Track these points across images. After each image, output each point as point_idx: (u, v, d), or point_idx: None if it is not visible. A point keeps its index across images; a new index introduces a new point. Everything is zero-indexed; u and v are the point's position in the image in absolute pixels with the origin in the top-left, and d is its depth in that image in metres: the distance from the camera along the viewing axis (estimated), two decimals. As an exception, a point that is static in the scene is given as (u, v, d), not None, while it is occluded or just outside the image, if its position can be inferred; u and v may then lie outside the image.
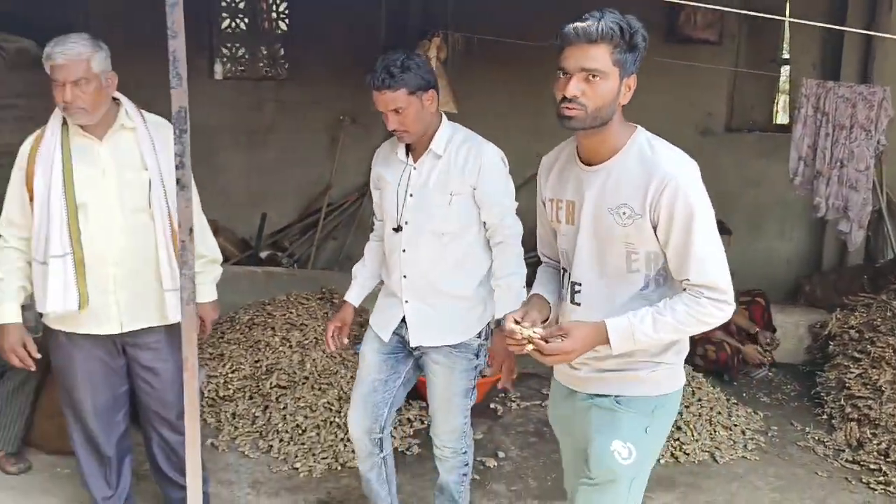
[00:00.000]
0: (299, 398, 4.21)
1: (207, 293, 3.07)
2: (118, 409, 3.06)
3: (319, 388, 4.28)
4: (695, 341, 4.91)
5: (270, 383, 4.33)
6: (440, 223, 2.74)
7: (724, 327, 4.98)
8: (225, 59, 6.84)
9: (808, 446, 4.23)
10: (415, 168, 2.78)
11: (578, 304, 2.17)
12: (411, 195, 2.77)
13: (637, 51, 2.02)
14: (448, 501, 3.08)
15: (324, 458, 3.86)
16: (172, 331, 2.87)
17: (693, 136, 5.99)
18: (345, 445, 3.88)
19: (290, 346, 4.59)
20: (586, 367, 2.18)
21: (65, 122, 2.80)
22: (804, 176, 5.14)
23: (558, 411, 2.39)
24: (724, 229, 4.81)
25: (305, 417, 4.09)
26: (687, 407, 4.31)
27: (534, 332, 2.01)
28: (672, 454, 3.99)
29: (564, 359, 2.06)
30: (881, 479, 3.83)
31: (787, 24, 5.86)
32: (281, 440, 4.01)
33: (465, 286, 2.81)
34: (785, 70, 6.16)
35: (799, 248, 6.30)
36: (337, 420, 4.06)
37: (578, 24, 1.97)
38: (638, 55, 2.03)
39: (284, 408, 4.18)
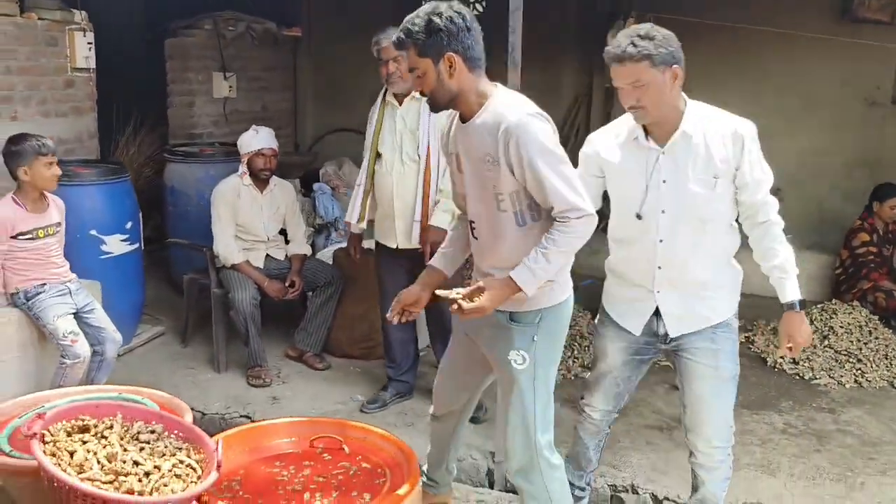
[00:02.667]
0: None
1: (437, 220, 3.77)
2: None
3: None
4: (865, 290, 5.55)
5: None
6: (703, 209, 2.59)
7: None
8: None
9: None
10: (664, 152, 2.59)
11: (477, 238, 2.65)
12: (664, 181, 2.60)
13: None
14: None
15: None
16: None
17: (861, 107, 6.52)
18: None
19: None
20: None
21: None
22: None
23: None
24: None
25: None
26: (866, 344, 4.97)
27: (456, 294, 2.45)
28: (856, 380, 4.68)
29: (480, 314, 2.44)
30: None
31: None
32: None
33: (721, 268, 2.72)
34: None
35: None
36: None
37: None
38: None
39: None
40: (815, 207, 6.59)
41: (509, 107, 2.47)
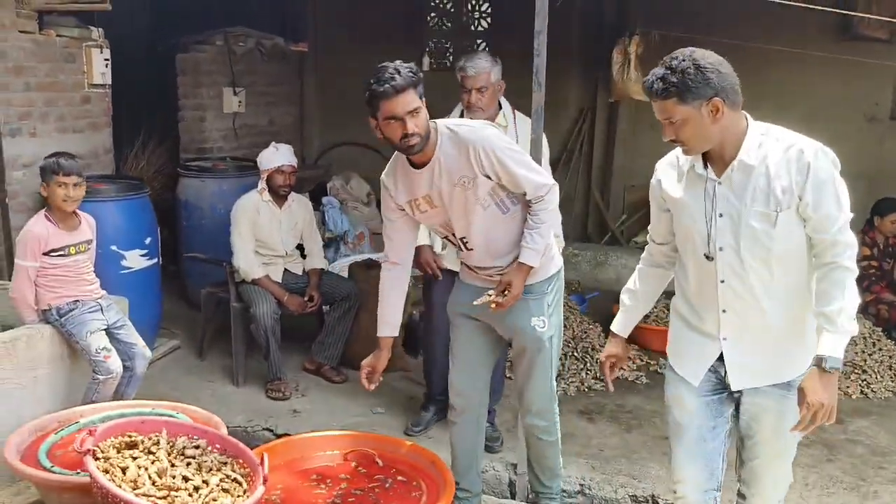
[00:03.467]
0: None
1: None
2: None
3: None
4: (867, 302, 5.66)
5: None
6: (767, 247, 2.32)
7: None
8: (432, 53, 7.84)
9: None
10: (720, 182, 2.36)
11: (472, 249, 2.99)
12: (720, 215, 2.36)
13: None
14: None
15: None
16: None
17: (860, 123, 6.66)
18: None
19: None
20: (497, 274, 2.99)
21: None
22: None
23: (466, 305, 3.08)
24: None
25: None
26: (870, 355, 5.08)
27: (489, 295, 2.90)
28: (862, 391, 4.78)
29: (516, 300, 2.89)
30: None
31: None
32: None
33: (798, 316, 2.40)
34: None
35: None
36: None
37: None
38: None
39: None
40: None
41: (461, 131, 2.84)
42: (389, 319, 3.08)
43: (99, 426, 2.61)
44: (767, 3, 4.00)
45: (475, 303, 2.97)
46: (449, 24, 7.82)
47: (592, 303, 5.94)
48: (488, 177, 2.85)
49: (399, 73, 2.71)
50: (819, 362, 2.26)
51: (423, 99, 2.78)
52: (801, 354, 2.39)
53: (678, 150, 2.48)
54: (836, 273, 2.28)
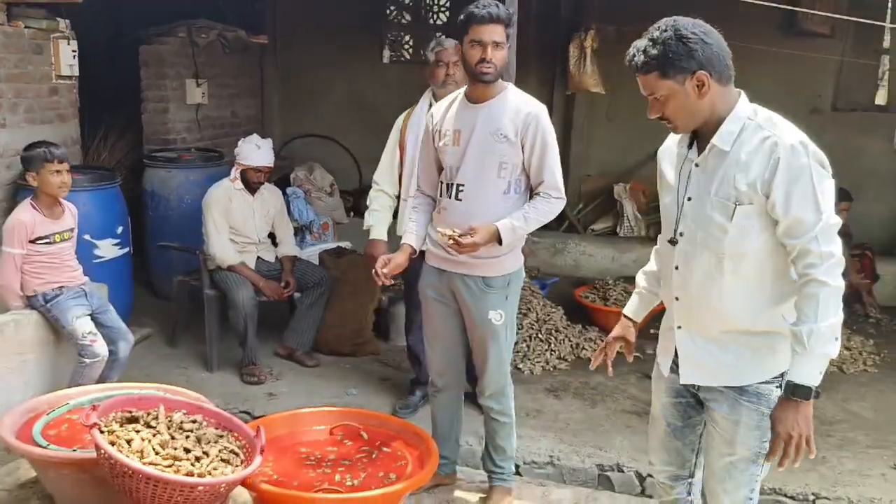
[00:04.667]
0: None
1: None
2: None
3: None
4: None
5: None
6: (721, 241, 2.15)
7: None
8: (392, 46, 7.97)
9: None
10: (696, 164, 2.22)
11: (461, 200, 3.06)
12: (689, 199, 2.24)
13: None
14: None
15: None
16: None
17: (804, 114, 6.99)
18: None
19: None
20: (464, 255, 3.04)
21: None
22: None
23: (431, 289, 3.25)
24: (846, 196, 5.89)
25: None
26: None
27: (454, 232, 2.95)
28: (808, 366, 5.08)
29: (473, 249, 2.94)
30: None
31: (888, 20, 6.79)
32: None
33: (755, 318, 2.19)
34: (885, 59, 7.10)
35: (894, 209, 7.28)
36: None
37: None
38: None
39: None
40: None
41: (527, 98, 3.11)
42: (413, 230, 3.27)
43: (102, 402, 2.72)
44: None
45: (438, 229, 3.05)
46: (408, 18, 7.95)
47: (553, 288, 6.16)
48: (522, 147, 3.02)
49: (498, 7, 2.96)
50: (789, 390, 2.06)
51: (510, 39, 3.01)
52: (759, 363, 2.20)
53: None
54: (809, 287, 2.04)
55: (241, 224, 4.80)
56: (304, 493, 2.81)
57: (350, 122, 7.97)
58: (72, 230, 3.77)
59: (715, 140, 2.13)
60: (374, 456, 3.11)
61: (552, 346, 5.19)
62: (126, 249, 5.02)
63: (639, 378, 4.86)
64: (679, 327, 2.30)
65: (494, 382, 3.29)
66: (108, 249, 4.84)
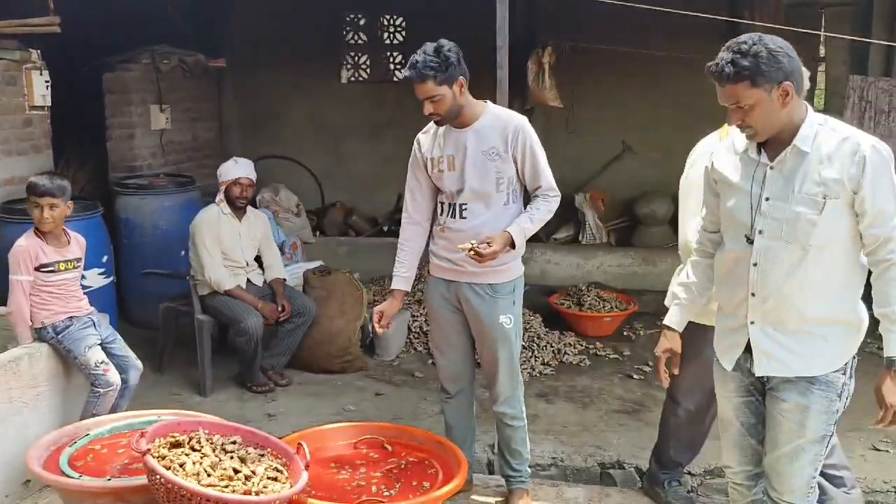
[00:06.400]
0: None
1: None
2: None
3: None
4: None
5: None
6: (807, 233, 2.33)
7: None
8: (349, 67, 8.07)
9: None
10: (772, 167, 2.39)
11: (465, 218, 3.22)
12: (766, 199, 2.40)
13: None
14: None
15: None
16: None
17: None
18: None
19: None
20: (470, 265, 3.19)
21: None
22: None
23: (440, 299, 3.36)
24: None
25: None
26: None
27: (472, 244, 3.08)
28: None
29: (494, 258, 3.07)
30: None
31: (822, 29, 7.25)
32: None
33: (831, 308, 2.41)
34: (822, 66, 7.56)
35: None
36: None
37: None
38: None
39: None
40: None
41: (505, 112, 3.32)
42: (402, 274, 3.41)
43: (147, 429, 2.77)
44: (655, 13, 4.50)
45: (459, 246, 3.14)
46: (364, 38, 8.07)
47: (525, 296, 6.34)
48: (515, 159, 3.18)
49: (423, 61, 3.05)
50: (889, 364, 2.33)
51: (462, 78, 3.11)
52: (830, 353, 2.41)
53: (735, 132, 2.45)
54: (893, 271, 2.31)
55: (229, 248, 4.85)
56: (352, 505, 2.91)
57: (310, 142, 8.05)
58: (79, 260, 3.77)
59: (797, 142, 2.33)
60: (403, 466, 3.22)
61: (535, 352, 5.37)
62: (111, 279, 5.03)
63: (621, 379, 5.09)
64: (752, 322, 2.45)
65: (507, 387, 3.39)
66: (94, 279, 4.84)
